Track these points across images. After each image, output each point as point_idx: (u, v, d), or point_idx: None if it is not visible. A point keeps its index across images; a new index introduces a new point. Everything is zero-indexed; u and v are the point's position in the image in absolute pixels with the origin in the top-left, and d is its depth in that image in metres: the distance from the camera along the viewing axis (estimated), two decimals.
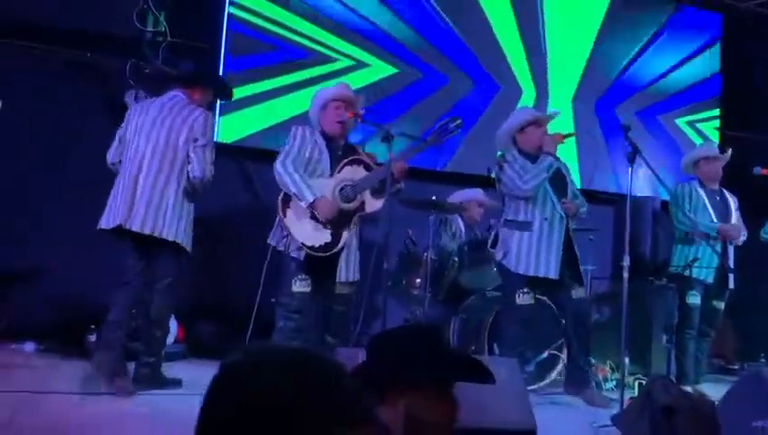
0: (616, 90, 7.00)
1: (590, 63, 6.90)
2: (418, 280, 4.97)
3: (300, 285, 3.94)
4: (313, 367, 0.84)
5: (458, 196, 5.64)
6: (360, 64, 6.15)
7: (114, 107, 5.06)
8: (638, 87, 7.09)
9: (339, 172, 4.05)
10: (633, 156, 3.71)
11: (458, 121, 3.96)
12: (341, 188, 4.03)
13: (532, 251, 4.23)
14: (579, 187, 4.89)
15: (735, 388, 3.38)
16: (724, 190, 5.09)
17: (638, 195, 6.09)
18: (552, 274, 4.22)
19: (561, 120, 5.60)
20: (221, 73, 5.51)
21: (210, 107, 4.37)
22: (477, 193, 5.68)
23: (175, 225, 3.76)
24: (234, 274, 5.39)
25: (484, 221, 5.70)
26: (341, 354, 2.91)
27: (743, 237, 4.95)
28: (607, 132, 6.85)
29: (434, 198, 4.95)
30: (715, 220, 4.88)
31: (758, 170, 4.70)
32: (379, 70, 6.20)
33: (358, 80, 5.98)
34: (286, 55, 5.91)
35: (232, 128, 5.73)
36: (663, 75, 7.18)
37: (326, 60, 6.03)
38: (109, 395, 3.67)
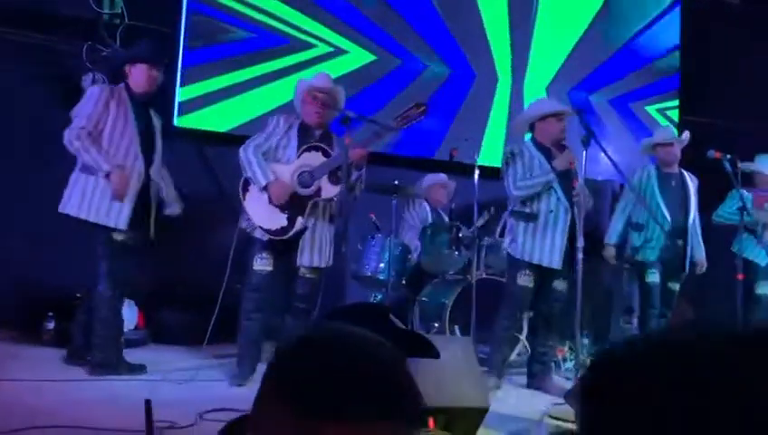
0: (591, 80, 7.01)
1: (571, 55, 6.90)
2: (381, 264, 5.00)
3: (260, 263, 4.02)
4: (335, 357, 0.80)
5: (423, 181, 5.71)
6: (338, 51, 6.04)
7: (70, 90, 4.97)
8: (613, 78, 7.12)
9: (298, 158, 4.07)
10: (587, 139, 3.79)
11: (422, 108, 3.97)
12: (300, 174, 4.04)
13: (536, 241, 4.31)
14: None
15: None
16: (685, 173, 5.15)
17: (599, 178, 6.18)
18: (555, 264, 4.29)
19: None
20: (182, 60, 5.45)
21: (156, 84, 4.19)
22: (441, 177, 5.74)
23: (66, 197, 3.96)
24: (197, 259, 5.34)
25: (447, 204, 5.78)
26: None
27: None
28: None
29: (396, 182, 4.97)
30: (661, 205, 4.96)
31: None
32: (358, 57, 6.10)
33: (337, 67, 5.87)
34: (261, 42, 5.76)
35: (209, 118, 5.63)
36: (637, 67, 7.22)
37: (304, 46, 5.90)
38: (66, 381, 3.65)
